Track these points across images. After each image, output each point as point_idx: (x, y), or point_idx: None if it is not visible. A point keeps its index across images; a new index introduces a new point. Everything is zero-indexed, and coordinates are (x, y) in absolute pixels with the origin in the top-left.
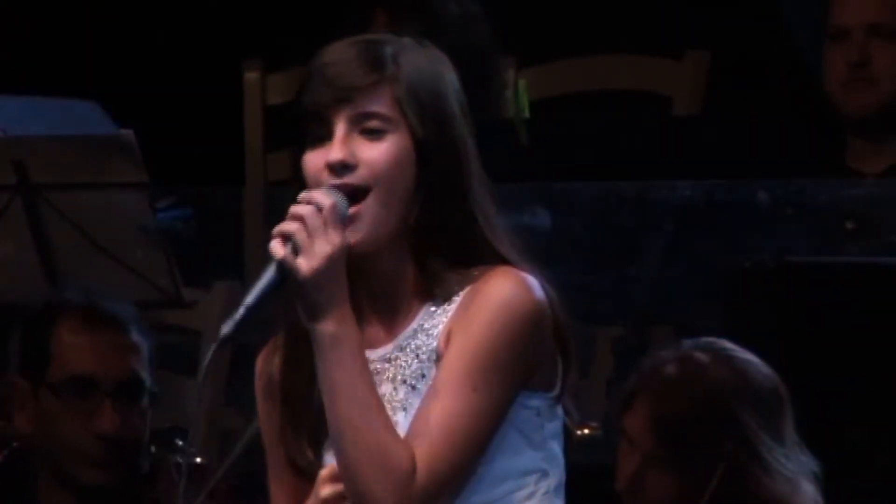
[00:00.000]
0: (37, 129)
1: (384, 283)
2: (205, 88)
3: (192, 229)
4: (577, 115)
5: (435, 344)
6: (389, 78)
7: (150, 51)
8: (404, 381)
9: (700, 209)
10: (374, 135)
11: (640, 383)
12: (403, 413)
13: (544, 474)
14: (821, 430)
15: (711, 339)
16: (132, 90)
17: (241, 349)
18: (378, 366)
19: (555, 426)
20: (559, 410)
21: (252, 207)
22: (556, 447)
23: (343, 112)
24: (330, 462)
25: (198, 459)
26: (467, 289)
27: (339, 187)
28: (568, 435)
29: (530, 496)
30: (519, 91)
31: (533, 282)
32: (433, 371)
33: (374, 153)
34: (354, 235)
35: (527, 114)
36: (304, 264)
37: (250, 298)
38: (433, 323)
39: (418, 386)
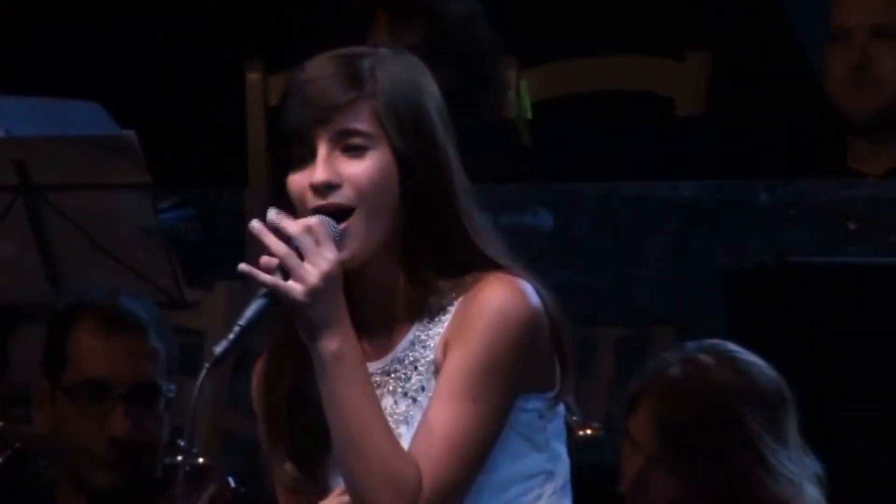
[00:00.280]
0: (39, 130)
1: (377, 296)
2: (207, 89)
3: (195, 230)
4: (579, 115)
5: (432, 356)
6: (368, 94)
7: (152, 51)
8: (405, 394)
9: (702, 209)
10: (355, 152)
11: (644, 385)
12: (406, 426)
13: (550, 475)
14: (823, 431)
15: (716, 340)
16: (134, 91)
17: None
18: (378, 378)
19: (556, 426)
20: (560, 409)
21: (254, 208)
22: (560, 446)
23: (324, 131)
24: (333, 476)
25: (200, 460)
26: (461, 298)
27: (324, 207)
28: (569, 434)
29: (538, 498)
30: (521, 92)
31: (527, 287)
32: (433, 383)
33: (357, 171)
34: (344, 253)
35: (529, 114)
36: (298, 286)
37: (241, 321)
38: (429, 334)
39: (419, 398)
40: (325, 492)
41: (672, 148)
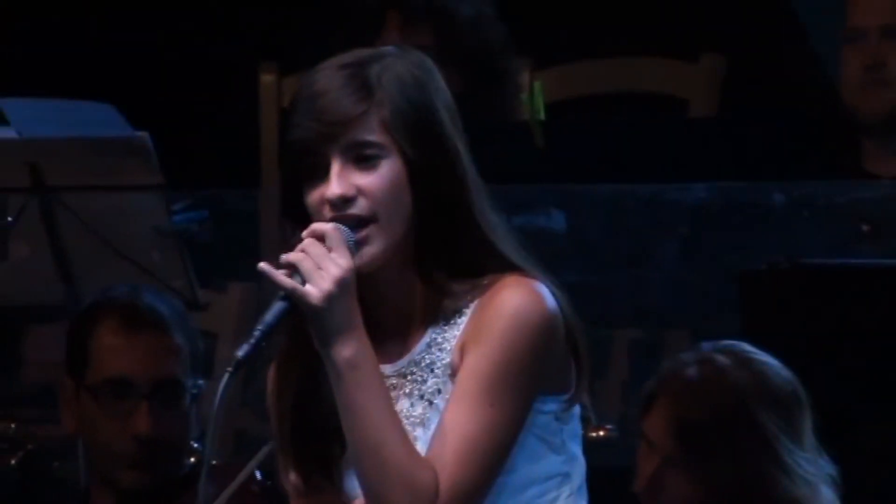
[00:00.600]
0: (52, 132)
1: (393, 300)
2: (221, 91)
3: (208, 231)
4: (593, 117)
5: (449, 359)
6: (376, 103)
7: (165, 53)
8: (421, 397)
9: (715, 211)
10: (367, 163)
11: (659, 386)
12: (422, 429)
13: (566, 477)
14: (837, 432)
15: (731, 341)
16: (147, 92)
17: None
18: (394, 381)
19: (572, 427)
20: (576, 411)
21: (268, 209)
22: (576, 448)
23: (335, 145)
24: (348, 481)
25: (213, 462)
26: (477, 300)
27: (341, 219)
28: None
29: (554, 500)
30: (534, 93)
31: (543, 290)
32: (449, 385)
33: (371, 182)
34: (362, 260)
35: (542, 116)
36: (314, 291)
37: (262, 324)
38: (445, 336)
39: (435, 401)
40: (337, 494)
41: (685, 149)
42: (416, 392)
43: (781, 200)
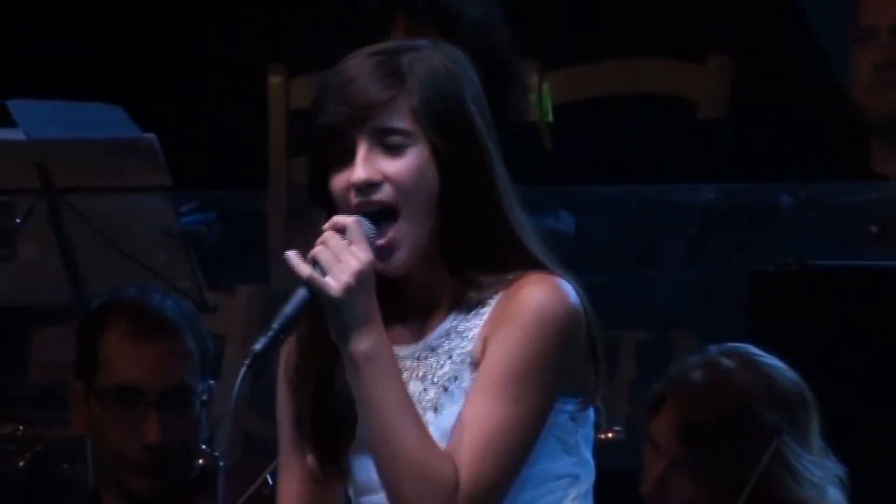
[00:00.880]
0: (60, 133)
1: (419, 287)
2: (229, 92)
3: (216, 233)
4: (601, 118)
5: (470, 347)
6: (405, 91)
7: (173, 54)
8: (435, 382)
9: (723, 212)
10: (394, 150)
11: (666, 389)
12: (434, 413)
13: (576, 479)
14: (845, 434)
15: (738, 344)
16: (155, 93)
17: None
18: (407, 363)
19: (586, 431)
20: (590, 415)
21: (276, 211)
22: (587, 453)
23: (362, 130)
24: (358, 467)
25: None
26: (502, 293)
27: (366, 205)
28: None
29: (560, 500)
30: (542, 95)
31: (568, 287)
32: (466, 374)
33: (397, 168)
34: (395, 260)
35: (550, 117)
36: (334, 283)
37: (281, 317)
38: (467, 326)
39: (450, 387)
40: (346, 479)
41: (693, 150)
42: (429, 376)
43: (789, 201)
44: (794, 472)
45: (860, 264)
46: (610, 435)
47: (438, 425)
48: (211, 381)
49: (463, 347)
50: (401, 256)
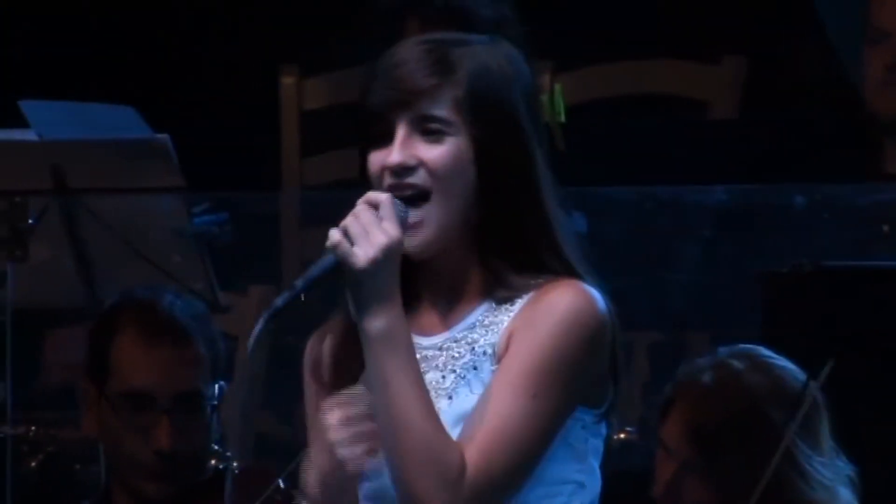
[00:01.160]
0: (73, 134)
1: (447, 278)
2: (242, 93)
3: (229, 234)
4: (614, 119)
5: (494, 339)
6: (452, 81)
7: (187, 56)
8: (453, 371)
9: (736, 214)
10: (433, 136)
11: (676, 391)
12: (448, 400)
13: (581, 487)
14: (858, 434)
15: (748, 346)
16: (168, 94)
17: (279, 353)
18: (429, 353)
19: (597, 443)
20: (603, 428)
21: (288, 212)
22: (595, 463)
23: (404, 114)
24: None
25: (234, 464)
26: (532, 293)
27: (399, 187)
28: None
29: None
30: (555, 95)
31: (598, 296)
32: (487, 366)
33: (433, 155)
34: (419, 238)
35: (563, 118)
36: (360, 253)
37: (306, 277)
38: (494, 320)
39: (467, 376)
40: None
41: (706, 152)
42: (449, 365)
43: (802, 203)
44: (804, 473)
45: (874, 265)
46: (622, 436)
47: (451, 412)
48: (221, 383)
49: (487, 340)
50: (425, 235)
